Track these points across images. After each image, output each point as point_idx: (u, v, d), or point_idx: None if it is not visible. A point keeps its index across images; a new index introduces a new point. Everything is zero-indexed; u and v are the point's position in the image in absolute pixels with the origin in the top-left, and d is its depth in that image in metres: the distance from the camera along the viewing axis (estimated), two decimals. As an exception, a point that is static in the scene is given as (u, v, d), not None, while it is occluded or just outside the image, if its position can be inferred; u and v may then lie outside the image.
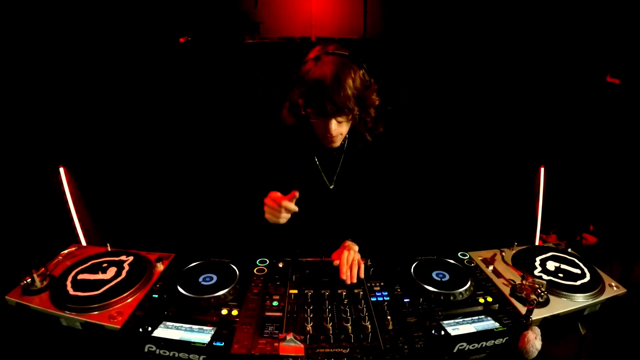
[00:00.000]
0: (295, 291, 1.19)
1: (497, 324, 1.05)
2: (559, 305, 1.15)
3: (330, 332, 1.03)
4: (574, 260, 1.35)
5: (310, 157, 1.37)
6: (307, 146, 1.34)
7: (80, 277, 1.20)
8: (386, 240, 1.45)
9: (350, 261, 1.26)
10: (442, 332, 1.02)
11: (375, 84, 1.20)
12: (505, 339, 1.03)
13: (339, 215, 1.45)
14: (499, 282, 1.25)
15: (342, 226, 1.45)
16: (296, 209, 1.17)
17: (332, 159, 1.38)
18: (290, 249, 1.36)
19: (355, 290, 1.19)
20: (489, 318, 1.08)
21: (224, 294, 1.14)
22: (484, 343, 1.01)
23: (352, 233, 1.44)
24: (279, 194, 1.18)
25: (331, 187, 1.40)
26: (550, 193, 2.09)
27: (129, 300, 1.13)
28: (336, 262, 1.28)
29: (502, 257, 1.38)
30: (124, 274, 1.22)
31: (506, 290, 1.21)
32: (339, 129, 1.19)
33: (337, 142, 1.26)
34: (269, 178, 1.36)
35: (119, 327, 1.03)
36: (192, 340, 0.97)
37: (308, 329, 1.02)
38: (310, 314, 1.08)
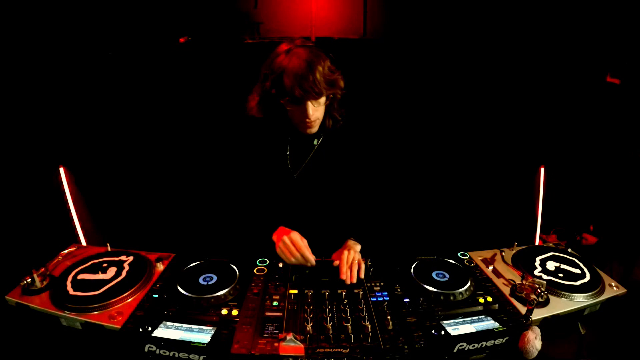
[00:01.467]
0: (295, 291, 1.19)
1: (497, 324, 1.05)
2: (559, 305, 1.14)
3: (330, 332, 1.03)
4: (574, 260, 1.35)
5: (282, 147, 1.43)
6: (278, 137, 1.43)
7: (80, 277, 1.20)
8: (373, 237, 1.46)
9: (350, 261, 1.27)
10: (442, 332, 1.01)
11: (338, 69, 1.28)
12: (505, 339, 1.03)
13: (301, 205, 1.49)
14: (499, 282, 1.25)
15: (306, 217, 1.47)
16: (313, 261, 1.21)
17: (304, 149, 1.44)
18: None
19: (355, 290, 1.19)
20: (489, 318, 1.08)
21: (224, 294, 1.14)
22: (484, 343, 1.01)
23: (322, 225, 1.48)
24: (300, 240, 1.22)
25: (295, 175, 1.45)
26: (550, 193, 2.09)
27: (129, 300, 1.13)
28: (336, 263, 1.28)
29: (502, 257, 1.38)
30: (124, 274, 1.22)
31: (506, 290, 1.21)
32: (315, 113, 1.27)
33: (315, 127, 1.33)
34: (240, 171, 1.45)
35: (119, 327, 1.03)
36: (192, 340, 0.97)
37: (308, 329, 1.02)
38: (310, 314, 1.08)
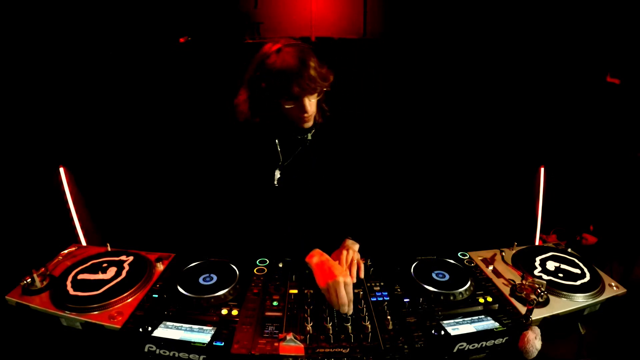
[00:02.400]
0: (295, 291, 1.19)
1: (497, 324, 1.06)
2: (558, 305, 1.14)
3: (330, 332, 1.03)
4: (574, 260, 1.35)
5: (272, 145, 1.45)
6: (268, 136, 1.45)
7: (80, 277, 1.20)
8: (372, 236, 1.45)
9: (349, 261, 1.27)
10: (442, 332, 1.02)
11: (325, 63, 1.32)
12: (505, 339, 1.03)
13: (297, 203, 1.48)
14: (499, 282, 1.25)
15: (303, 215, 1.47)
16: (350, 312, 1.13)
17: (296, 144, 1.46)
18: (288, 249, 1.36)
19: (355, 290, 1.19)
20: (488, 318, 1.08)
21: (224, 294, 1.14)
22: (484, 343, 1.01)
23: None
24: (352, 288, 1.14)
25: (285, 165, 1.46)
26: (550, 193, 2.09)
27: (129, 300, 1.13)
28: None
29: (502, 257, 1.38)
30: (124, 274, 1.22)
31: (506, 290, 1.21)
32: (312, 107, 1.31)
33: (311, 121, 1.37)
34: (237, 172, 1.46)
35: (119, 327, 1.03)
36: (192, 340, 0.97)
37: (308, 329, 1.02)
38: (310, 314, 1.08)
